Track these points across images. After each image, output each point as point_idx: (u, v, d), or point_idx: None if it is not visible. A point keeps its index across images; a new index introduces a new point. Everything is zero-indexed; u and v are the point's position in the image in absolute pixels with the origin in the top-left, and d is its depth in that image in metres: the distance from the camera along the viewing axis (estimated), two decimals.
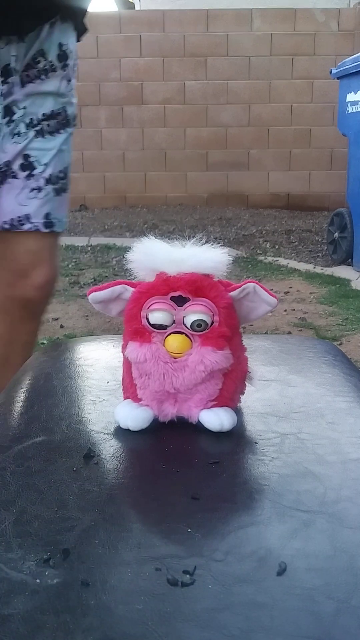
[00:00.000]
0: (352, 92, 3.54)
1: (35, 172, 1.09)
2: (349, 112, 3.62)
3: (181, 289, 0.58)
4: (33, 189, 1.10)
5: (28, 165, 1.08)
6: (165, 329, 0.59)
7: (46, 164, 1.09)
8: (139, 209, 5.77)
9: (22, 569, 0.41)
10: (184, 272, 0.58)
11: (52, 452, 0.56)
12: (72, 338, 1.26)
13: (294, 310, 2.96)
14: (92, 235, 4.66)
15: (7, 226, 1.11)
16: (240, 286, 0.61)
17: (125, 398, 0.63)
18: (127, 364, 0.61)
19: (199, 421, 0.60)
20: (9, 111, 1.05)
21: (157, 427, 0.61)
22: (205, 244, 0.60)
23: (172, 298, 0.58)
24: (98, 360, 0.82)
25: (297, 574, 0.40)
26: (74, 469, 0.53)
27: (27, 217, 1.11)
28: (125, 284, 0.61)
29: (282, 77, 5.79)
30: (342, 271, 3.73)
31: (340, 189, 5.00)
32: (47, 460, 0.55)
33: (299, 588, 0.39)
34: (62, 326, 2.75)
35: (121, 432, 0.60)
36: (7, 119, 1.05)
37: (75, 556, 0.42)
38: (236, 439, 0.59)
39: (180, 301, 0.58)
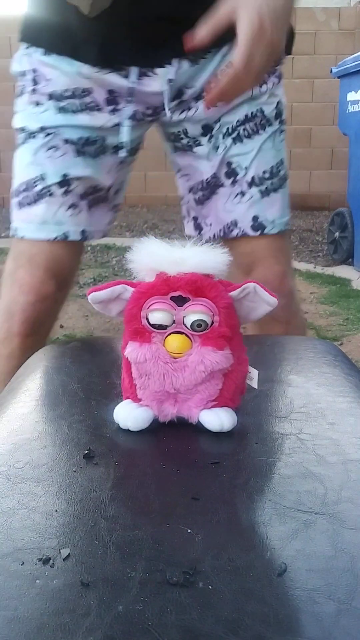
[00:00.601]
0: (353, 91, 3.54)
1: (238, 177, 1.11)
2: (350, 111, 3.61)
3: (181, 289, 0.58)
4: (237, 195, 1.12)
5: (231, 172, 1.11)
6: (165, 329, 0.59)
7: (247, 168, 1.11)
8: (139, 208, 5.77)
9: (22, 570, 0.41)
10: (184, 272, 0.58)
11: (52, 452, 0.56)
12: (72, 338, 1.26)
13: None
14: None
15: (221, 234, 1.15)
16: (240, 286, 0.61)
17: (125, 398, 0.63)
18: (127, 364, 0.61)
19: (199, 421, 0.60)
20: (208, 128, 1.10)
21: (157, 428, 0.61)
22: (205, 243, 0.60)
23: (172, 298, 0.58)
24: (98, 360, 0.82)
25: (297, 575, 0.40)
26: (74, 469, 0.53)
27: (235, 223, 1.13)
28: (125, 284, 0.61)
29: (283, 77, 5.79)
30: (342, 271, 3.72)
31: (341, 189, 4.99)
32: (47, 460, 0.55)
33: (300, 589, 0.39)
34: (62, 326, 2.75)
35: (121, 433, 0.60)
36: (207, 136, 1.10)
37: (75, 557, 0.42)
38: (236, 440, 0.59)
39: (180, 301, 0.58)
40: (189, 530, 0.45)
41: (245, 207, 1.13)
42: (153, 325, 0.58)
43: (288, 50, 1.11)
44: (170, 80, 1.04)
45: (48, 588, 0.39)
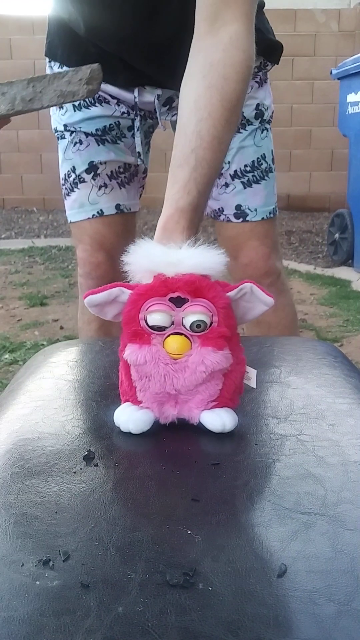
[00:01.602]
0: (353, 93, 3.54)
1: (222, 170, 1.24)
2: (350, 112, 3.62)
3: (180, 289, 0.58)
4: (222, 186, 1.27)
5: None
6: (164, 330, 0.58)
7: (229, 162, 1.24)
8: (139, 210, 5.76)
9: (22, 571, 0.41)
10: (181, 273, 0.58)
11: (52, 454, 0.56)
12: (72, 339, 1.27)
13: None
14: None
15: (212, 216, 1.32)
16: (237, 286, 0.61)
17: (125, 401, 0.63)
18: (126, 367, 0.61)
19: (200, 422, 0.60)
20: None
21: (157, 429, 0.60)
22: (201, 244, 0.60)
23: (170, 299, 0.58)
24: (98, 362, 0.82)
25: (297, 576, 0.40)
26: (74, 470, 0.53)
27: (221, 210, 1.29)
28: (122, 287, 0.61)
29: (283, 78, 5.79)
30: (342, 272, 3.73)
31: (340, 190, 5.00)
32: (47, 462, 0.55)
33: (300, 590, 0.39)
34: (62, 327, 2.75)
35: (121, 434, 0.60)
36: None
37: (75, 558, 0.42)
38: (236, 441, 0.59)
39: (178, 302, 0.58)
40: (189, 532, 0.45)
41: (229, 196, 1.27)
42: (152, 327, 0.58)
43: (275, 60, 1.26)
44: (158, 95, 1.21)
45: (48, 589, 0.39)
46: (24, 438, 0.59)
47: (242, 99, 0.84)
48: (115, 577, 0.40)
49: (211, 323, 0.58)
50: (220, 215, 1.29)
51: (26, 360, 1.44)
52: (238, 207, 1.27)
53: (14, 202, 6.14)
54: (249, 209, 1.27)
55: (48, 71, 1.27)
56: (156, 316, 0.58)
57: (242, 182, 1.26)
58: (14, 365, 2.30)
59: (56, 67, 1.25)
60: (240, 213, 1.27)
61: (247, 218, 1.28)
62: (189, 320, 0.58)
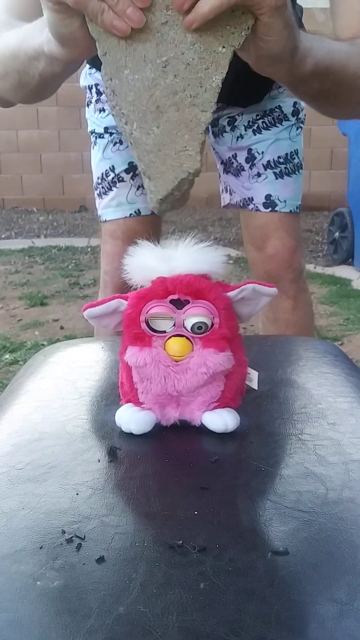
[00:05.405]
0: None
1: (255, 160, 1.29)
2: None
3: (180, 291, 0.58)
4: (254, 175, 1.30)
5: (251, 157, 1.30)
6: (165, 332, 0.58)
7: (263, 152, 1.28)
8: None
9: (22, 572, 0.41)
10: (180, 273, 0.58)
11: (52, 453, 0.56)
12: (73, 339, 1.27)
13: None
14: (92, 236, 4.65)
15: (240, 204, 1.34)
16: (238, 287, 0.61)
17: (126, 402, 0.63)
18: (126, 369, 0.61)
19: (201, 423, 0.60)
20: (232, 119, 1.31)
21: (158, 429, 0.61)
22: (199, 244, 0.60)
23: (171, 301, 0.58)
24: (98, 362, 0.82)
25: (299, 575, 0.40)
26: (75, 470, 0.53)
27: (251, 199, 1.31)
28: (120, 298, 0.61)
29: None
30: (342, 271, 3.72)
31: (340, 189, 4.99)
32: (47, 462, 0.55)
33: (301, 589, 0.39)
34: (62, 327, 2.75)
35: (123, 435, 0.60)
36: (231, 126, 1.31)
37: (76, 559, 0.42)
38: (237, 441, 0.59)
39: (179, 304, 0.58)
40: (190, 532, 0.45)
41: (260, 185, 1.30)
42: (153, 329, 0.58)
43: None
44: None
45: (49, 589, 0.39)
46: (24, 438, 0.59)
47: None
48: (116, 577, 0.40)
49: (212, 324, 0.58)
50: (249, 205, 1.32)
51: (26, 360, 1.44)
52: (268, 196, 1.29)
53: (14, 202, 6.14)
54: (279, 200, 1.29)
55: (87, 77, 1.29)
56: (157, 318, 0.58)
57: (274, 173, 1.29)
58: (14, 366, 2.30)
59: (97, 74, 1.25)
60: (269, 203, 1.30)
61: (276, 208, 1.30)
62: (190, 322, 0.58)
